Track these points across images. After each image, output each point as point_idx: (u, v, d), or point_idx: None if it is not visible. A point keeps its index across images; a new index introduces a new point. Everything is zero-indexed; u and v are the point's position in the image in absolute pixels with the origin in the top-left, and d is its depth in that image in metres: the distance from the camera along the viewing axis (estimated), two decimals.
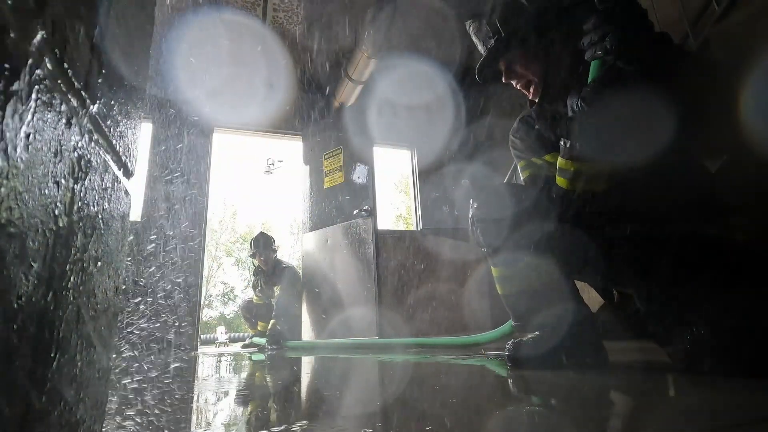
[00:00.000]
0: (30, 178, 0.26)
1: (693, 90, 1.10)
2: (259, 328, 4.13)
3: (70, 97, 0.32)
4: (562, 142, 1.19)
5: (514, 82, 1.41)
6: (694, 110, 1.11)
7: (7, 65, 0.24)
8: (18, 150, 0.25)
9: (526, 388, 0.99)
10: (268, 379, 1.54)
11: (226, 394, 1.12)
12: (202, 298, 3.92)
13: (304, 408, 0.88)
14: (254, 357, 2.72)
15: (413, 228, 4.81)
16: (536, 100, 1.40)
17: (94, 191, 0.38)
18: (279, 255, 4.25)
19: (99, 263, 0.39)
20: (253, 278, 4.34)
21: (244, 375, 1.73)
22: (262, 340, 3.80)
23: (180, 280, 3.51)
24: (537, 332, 1.26)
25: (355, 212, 3.89)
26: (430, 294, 4.25)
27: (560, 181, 1.22)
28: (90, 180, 0.36)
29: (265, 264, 4.07)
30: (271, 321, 3.70)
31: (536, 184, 1.38)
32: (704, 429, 0.55)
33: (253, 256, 4.16)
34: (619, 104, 1.11)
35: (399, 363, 1.81)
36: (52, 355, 0.30)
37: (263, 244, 4.09)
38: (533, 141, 1.40)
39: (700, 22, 2.16)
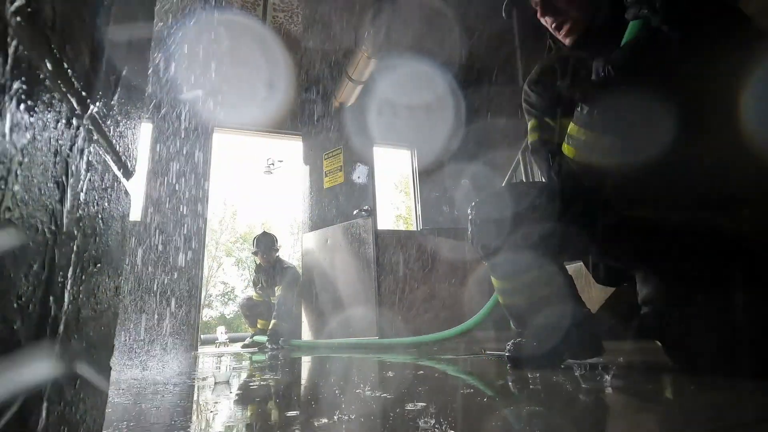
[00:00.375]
0: (30, 178, 0.26)
1: (747, 66, 0.94)
2: (259, 326, 4.15)
3: (70, 97, 0.32)
4: (579, 107, 1.07)
5: (549, 20, 1.21)
6: (738, 91, 0.96)
7: (7, 66, 0.24)
8: (18, 150, 0.25)
9: (526, 388, 0.99)
10: (267, 378, 1.54)
11: (228, 393, 1.12)
12: (202, 298, 3.92)
13: (301, 405, 0.88)
14: (254, 357, 2.72)
15: (413, 228, 4.81)
16: (567, 45, 1.20)
17: (94, 191, 0.38)
18: (280, 254, 4.26)
19: (99, 263, 0.39)
20: (254, 275, 4.36)
21: (242, 376, 1.73)
22: (263, 338, 3.82)
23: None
24: (537, 332, 1.25)
25: (355, 212, 3.89)
26: (431, 294, 4.25)
27: (567, 148, 1.12)
28: (90, 180, 0.36)
29: (266, 263, 4.09)
30: (272, 321, 3.71)
31: (540, 153, 1.26)
32: (704, 429, 0.55)
33: (255, 254, 4.17)
34: (651, 76, 0.98)
35: (397, 363, 1.81)
36: (51, 355, 0.30)
37: (265, 243, 4.11)
38: (551, 97, 1.25)
39: None
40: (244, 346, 4.22)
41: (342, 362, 2.06)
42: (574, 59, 1.23)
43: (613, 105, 1.02)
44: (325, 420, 0.68)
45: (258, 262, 4.18)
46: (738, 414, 0.63)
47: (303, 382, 1.45)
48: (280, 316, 3.71)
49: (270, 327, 3.69)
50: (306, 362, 2.20)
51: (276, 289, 3.93)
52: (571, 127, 1.10)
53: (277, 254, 4.16)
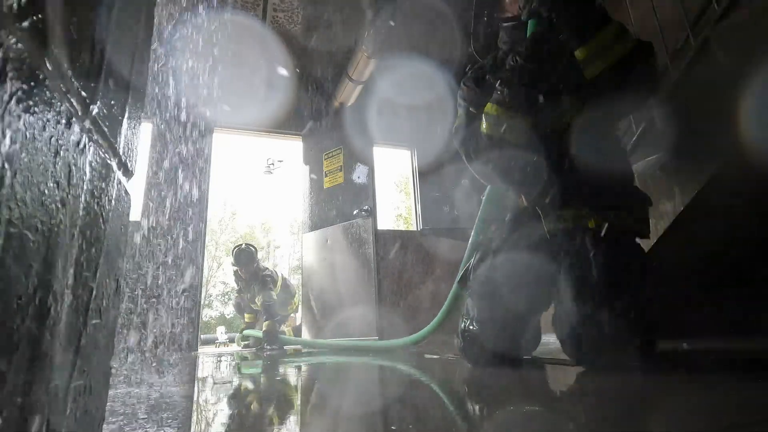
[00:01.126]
0: (30, 178, 0.26)
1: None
2: (246, 319, 4.28)
3: (70, 97, 0.32)
4: (497, 90, 1.29)
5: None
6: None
7: (7, 66, 0.24)
8: (18, 150, 0.25)
9: (515, 387, 0.99)
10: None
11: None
12: (202, 298, 3.93)
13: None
14: (243, 368, 2.70)
15: (413, 228, 4.81)
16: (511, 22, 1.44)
17: (94, 191, 0.38)
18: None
19: (99, 263, 0.39)
20: (234, 279, 4.53)
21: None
22: (252, 332, 4.02)
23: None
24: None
25: (355, 212, 3.88)
26: (431, 293, 4.25)
27: (483, 124, 1.32)
28: (90, 180, 0.36)
29: (246, 274, 4.25)
30: (266, 322, 3.78)
31: (458, 134, 1.48)
32: (704, 429, 0.55)
33: (234, 265, 4.33)
34: (548, 63, 1.26)
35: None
36: (51, 355, 0.30)
37: (246, 258, 4.25)
38: (480, 89, 1.47)
39: (700, 22, 2.16)
40: (245, 346, 4.21)
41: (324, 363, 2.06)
42: (500, 57, 1.47)
43: (522, 88, 1.26)
44: None
45: (238, 272, 4.34)
46: (736, 414, 0.63)
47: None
48: (271, 315, 3.83)
49: (264, 328, 3.76)
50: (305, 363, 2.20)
51: (257, 298, 4.08)
52: (488, 106, 1.30)
53: (256, 264, 4.29)
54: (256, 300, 4.07)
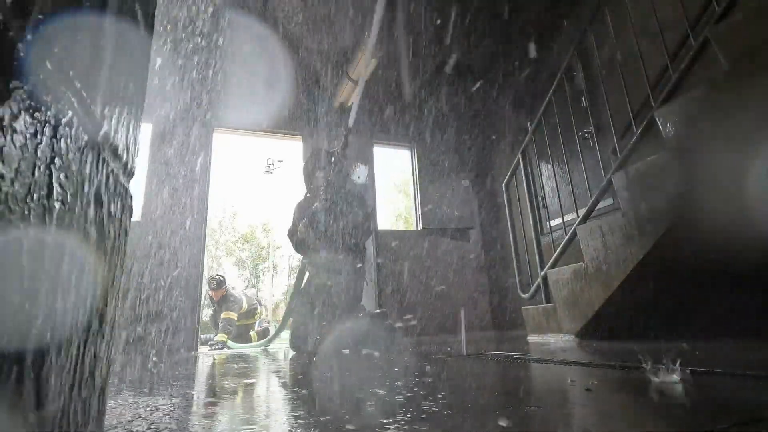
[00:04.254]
0: (31, 178, 0.26)
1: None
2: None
3: (70, 96, 0.32)
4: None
5: None
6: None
7: (7, 66, 0.24)
8: (18, 150, 0.25)
9: (511, 382, 0.99)
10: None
11: None
12: (202, 298, 3.96)
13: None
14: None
15: (413, 228, 4.81)
16: None
17: (95, 191, 0.38)
18: (229, 288, 5.50)
19: (100, 262, 0.39)
20: (207, 301, 5.58)
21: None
22: (222, 337, 4.98)
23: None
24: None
25: None
26: (430, 293, 4.25)
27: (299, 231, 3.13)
28: (90, 180, 0.37)
29: (217, 297, 5.42)
30: (220, 334, 4.95)
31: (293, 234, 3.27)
32: (704, 429, 0.55)
33: (209, 290, 5.42)
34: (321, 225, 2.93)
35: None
36: (51, 354, 0.30)
37: (217, 284, 5.41)
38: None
39: (700, 22, 2.16)
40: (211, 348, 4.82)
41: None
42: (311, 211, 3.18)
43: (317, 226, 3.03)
44: None
45: (211, 295, 5.46)
46: (736, 414, 0.63)
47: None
48: (225, 329, 5.05)
49: (218, 338, 4.87)
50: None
51: (222, 314, 5.23)
52: (301, 225, 3.15)
53: (224, 291, 5.42)
54: (221, 315, 5.23)
